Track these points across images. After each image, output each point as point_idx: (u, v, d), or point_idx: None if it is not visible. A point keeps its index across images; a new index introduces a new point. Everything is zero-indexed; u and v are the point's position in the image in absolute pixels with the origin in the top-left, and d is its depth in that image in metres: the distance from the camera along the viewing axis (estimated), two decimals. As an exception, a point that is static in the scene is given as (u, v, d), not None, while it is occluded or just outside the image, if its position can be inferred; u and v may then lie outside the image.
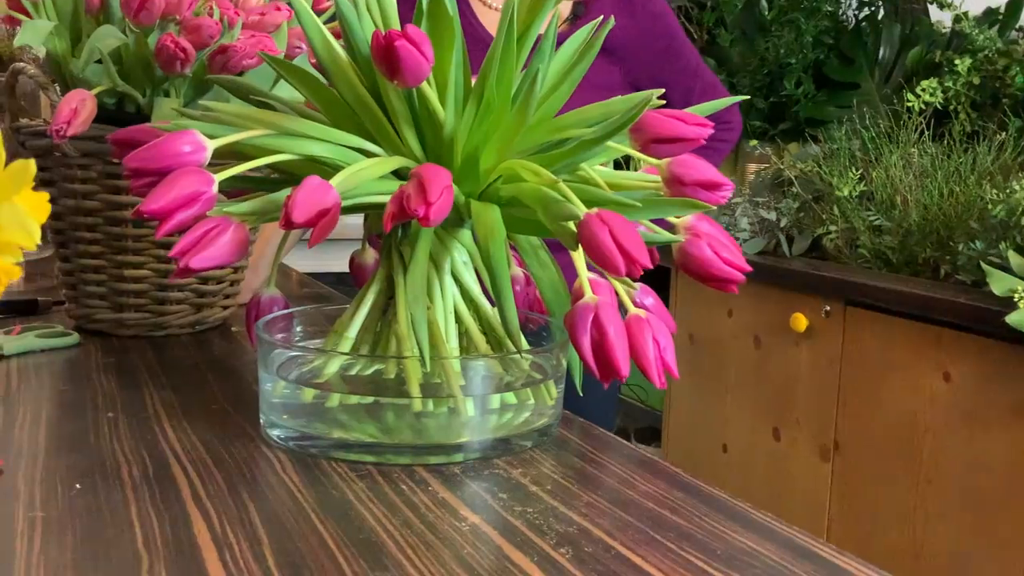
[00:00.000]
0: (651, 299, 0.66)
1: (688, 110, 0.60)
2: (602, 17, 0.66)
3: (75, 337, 0.89)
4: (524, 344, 0.64)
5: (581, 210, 0.53)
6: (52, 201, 0.91)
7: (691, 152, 0.60)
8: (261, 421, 0.65)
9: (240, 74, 0.84)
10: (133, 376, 0.79)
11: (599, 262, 0.52)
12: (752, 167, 2.09)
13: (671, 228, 0.63)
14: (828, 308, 1.63)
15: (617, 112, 0.60)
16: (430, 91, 0.58)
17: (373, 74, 0.62)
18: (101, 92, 0.82)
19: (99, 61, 0.83)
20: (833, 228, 1.71)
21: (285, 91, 0.81)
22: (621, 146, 0.63)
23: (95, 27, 0.84)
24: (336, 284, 1.32)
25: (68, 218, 0.90)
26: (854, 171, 1.69)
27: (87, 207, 0.89)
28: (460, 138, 0.61)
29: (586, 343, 0.54)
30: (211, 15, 0.85)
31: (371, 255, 0.76)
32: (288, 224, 0.51)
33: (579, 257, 0.57)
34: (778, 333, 1.74)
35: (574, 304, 0.56)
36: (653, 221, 0.63)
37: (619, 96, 0.62)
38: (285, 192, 0.54)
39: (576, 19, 1.35)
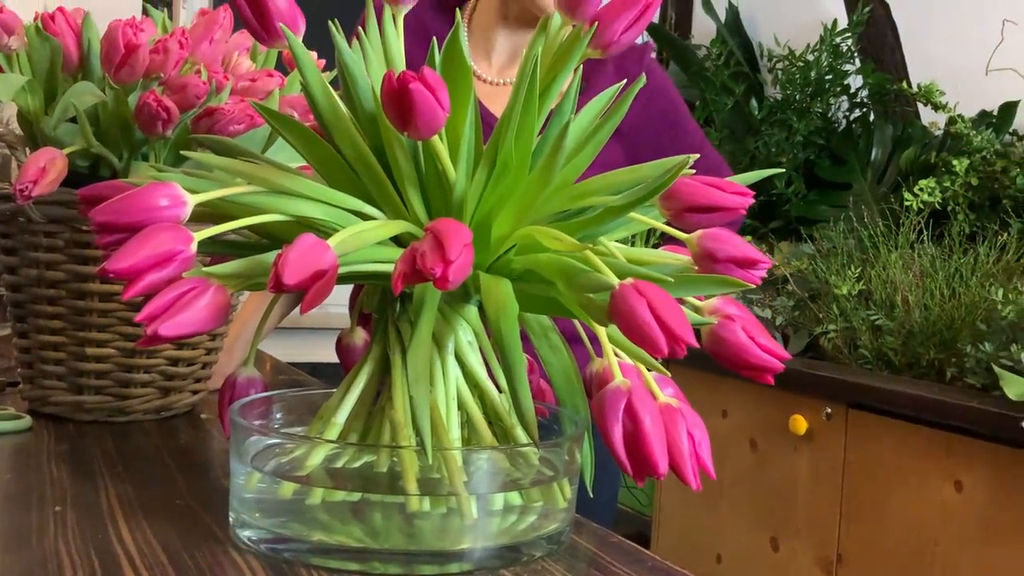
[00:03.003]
0: (671, 390, 0.59)
1: None
2: (625, 80, 0.60)
3: (27, 421, 0.80)
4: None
5: (614, 280, 0.46)
6: (12, 271, 0.84)
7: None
8: (231, 520, 0.57)
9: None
10: (88, 466, 0.70)
11: (636, 339, 0.45)
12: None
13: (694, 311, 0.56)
14: (829, 411, 1.57)
15: (647, 178, 0.54)
16: (441, 147, 0.52)
17: (375, 132, 0.56)
18: (74, 153, 0.75)
19: (74, 120, 0.77)
20: (832, 327, 1.65)
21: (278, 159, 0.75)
22: (646, 218, 0.57)
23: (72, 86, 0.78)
24: (312, 375, 1.24)
25: (28, 290, 0.82)
26: (852, 269, 1.65)
27: (50, 278, 0.81)
28: (471, 202, 0.54)
29: (617, 434, 0.46)
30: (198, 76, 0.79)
31: (360, 336, 0.68)
32: (278, 286, 0.44)
33: (604, 335, 0.51)
34: (776, 436, 1.67)
35: (601, 389, 0.48)
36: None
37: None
38: (274, 253, 0.47)
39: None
